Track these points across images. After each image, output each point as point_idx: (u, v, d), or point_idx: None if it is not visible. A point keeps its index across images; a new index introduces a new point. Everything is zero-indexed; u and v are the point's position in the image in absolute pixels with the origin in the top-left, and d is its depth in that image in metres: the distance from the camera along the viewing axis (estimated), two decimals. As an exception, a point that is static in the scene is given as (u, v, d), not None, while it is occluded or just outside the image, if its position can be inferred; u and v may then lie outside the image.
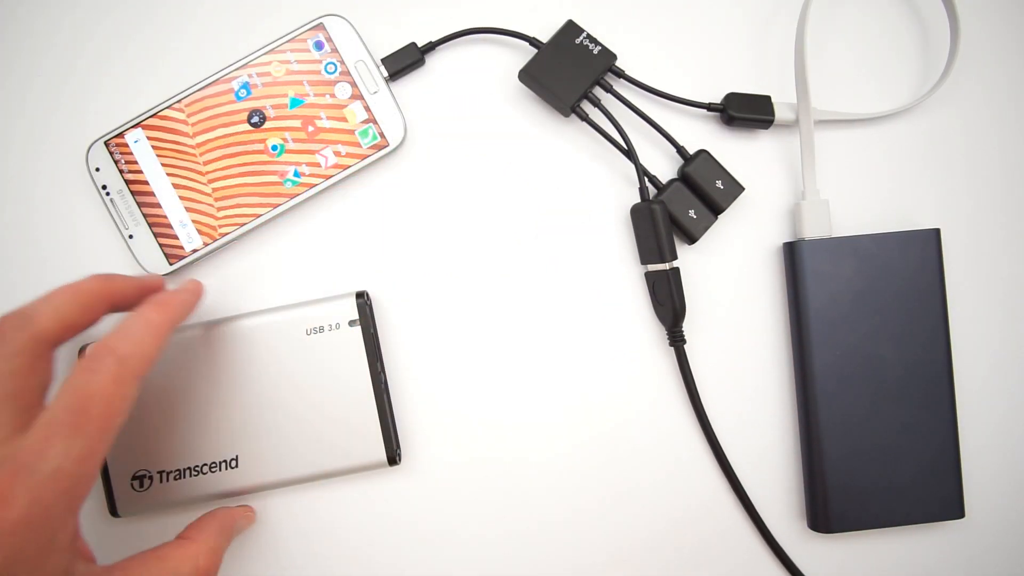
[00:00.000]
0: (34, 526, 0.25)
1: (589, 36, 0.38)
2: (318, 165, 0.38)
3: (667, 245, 0.37)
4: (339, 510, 0.39)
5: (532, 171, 0.40)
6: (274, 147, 0.38)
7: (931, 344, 0.38)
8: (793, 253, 0.38)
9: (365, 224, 0.40)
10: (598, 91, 0.39)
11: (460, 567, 0.39)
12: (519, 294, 0.40)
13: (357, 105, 0.38)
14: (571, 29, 0.38)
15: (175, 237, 0.38)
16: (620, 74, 0.39)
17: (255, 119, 0.38)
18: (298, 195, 0.38)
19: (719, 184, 0.38)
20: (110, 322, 0.39)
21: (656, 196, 0.39)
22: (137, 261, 0.38)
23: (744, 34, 0.40)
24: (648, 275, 0.38)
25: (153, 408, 0.37)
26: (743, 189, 0.39)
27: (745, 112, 0.39)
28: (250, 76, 0.38)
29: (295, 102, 0.38)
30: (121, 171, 0.38)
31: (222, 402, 0.37)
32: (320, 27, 0.38)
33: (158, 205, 0.38)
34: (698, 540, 0.39)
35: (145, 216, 0.38)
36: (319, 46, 0.38)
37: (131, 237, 0.38)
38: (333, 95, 0.38)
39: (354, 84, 0.38)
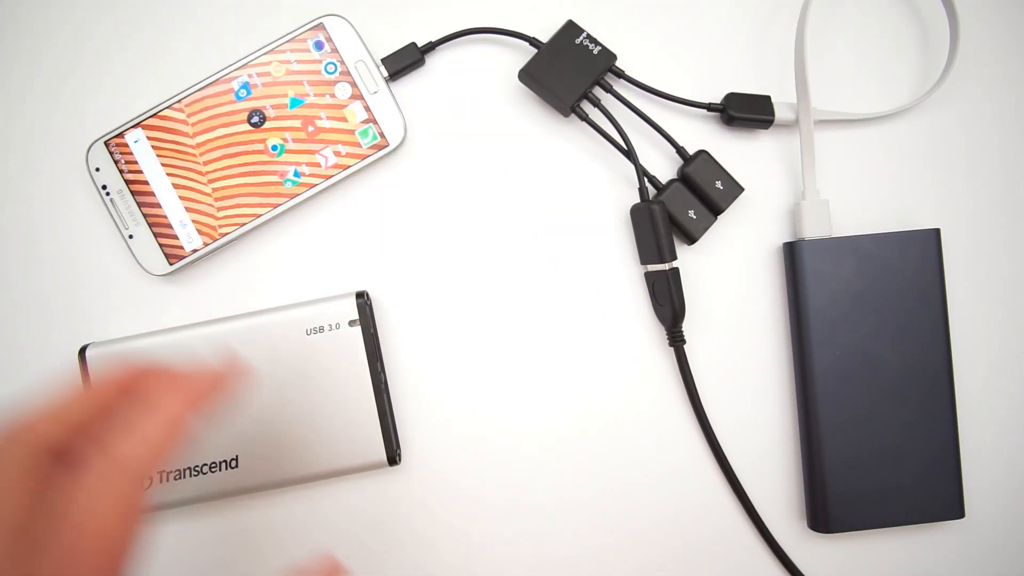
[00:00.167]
0: None
1: (589, 36, 0.38)
2: (318, 165, 0.38)
3: (666, 245, 0.37)
4: (339, 510, 0.39)
5: (532, 171, 0.40)
6: (274, 147, 0.38)
7: (931, 344, 0.38)
8: (793, 253, 0.38)
9: (365, 224, 0.40)
10: (598, 91, 0.39)
11: (460, 566, 0.39)
12: (519, 294, 0.40)
13: (357, 105, 0.38)
14: (571, 29, 0.38)
15: (175, 237, 0.38)
16: (620, 74, 0.39)
17: (255, 119, 0.38)
18: (298, 195, 0.38)
19: (719, 184, 0.38)
20: (115, 323, 0.39)
21: (656, 196, 0.39)
22: (137, 261, 0.38)
23: (744, 34, 0.40)
24: (648, 275, 0.38)
25: (153, 408, 0.37)
26: (742, 190, 0.39)
27: (745, 112, 0.39)
28: (250, 76, 0.38)
29: (295, 102, 0.38)
30: (121, 171, 0.38)
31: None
32: (320, 27, 0.38)
33: (158, 205, 0.38)
34: (698, 540, 0.39)
35: (145, 216, 0.38)
36: (319, 46, 0.38)
37: (131, 237, 0.38)
38: (333, 95, 0.38)
39: (354, 84, 0.38)
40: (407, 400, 0.39)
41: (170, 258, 0.38)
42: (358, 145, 0.38)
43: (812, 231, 0.38)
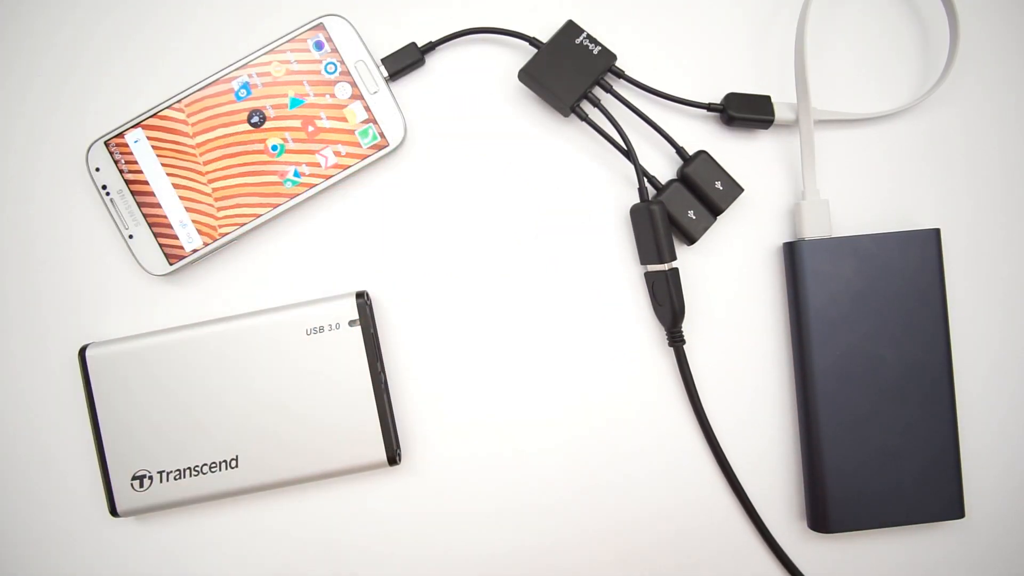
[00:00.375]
0: None
1: (589, 36, 0.38)
2: (318, 165, 0.38)
3: (666, 246, 0.37)
4: (339, 510, 0.39)
5: (532, 171, 0.40)
6: (274, 147, 0.38)
7: (931, 344, 0.38)
8: (793, 253, 0.38)
9: (365, 224, 0.40)
10: (598, 91, 0.39)
11: (460, 566, 0.39)
12: (519, 294, 0.40)
13: (357, 105, 0.38)
14: (571, 29, 0.38)
15: (175, 237, 0.38)
16: (620, 74, 0.39)
17: (255, 119, 0.38)
18: (298, 195, 0.38)
19: (718, 185, 0.38)
20: (115, 323, 0.39)
21: (655, 197, 0.39)
22: (137, 261, 0.38)
23: (744, 34, 0.40)
24: (647, 275, 0.38)
25: (153, 408, 0.37)
26: (742, 190, 0.39)
27: (745, 112, 0.39)
28: (250, 76, 0.38)
29: (295, 102, 0.38)
30: (121, 171, 0.38)
31: (222, 402, 0.37)
32: (320, 27, 0.38)
33: (158, 205, 0.38)
34: (698, 540, 0.39)
35: (145, 216, 0.38)
36: (319, 46, 0.38)
37: (131, 237, 0.38)
38: (333, 95, 0.38)
39: (354, 84, 0.38)
40: (407, 400, 0.39)
41: (170, 258, 0.38)
42: (358, 145, 0.38)
43: (812, 231, 0.38)
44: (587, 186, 0.40)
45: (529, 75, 0.38)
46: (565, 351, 0.40)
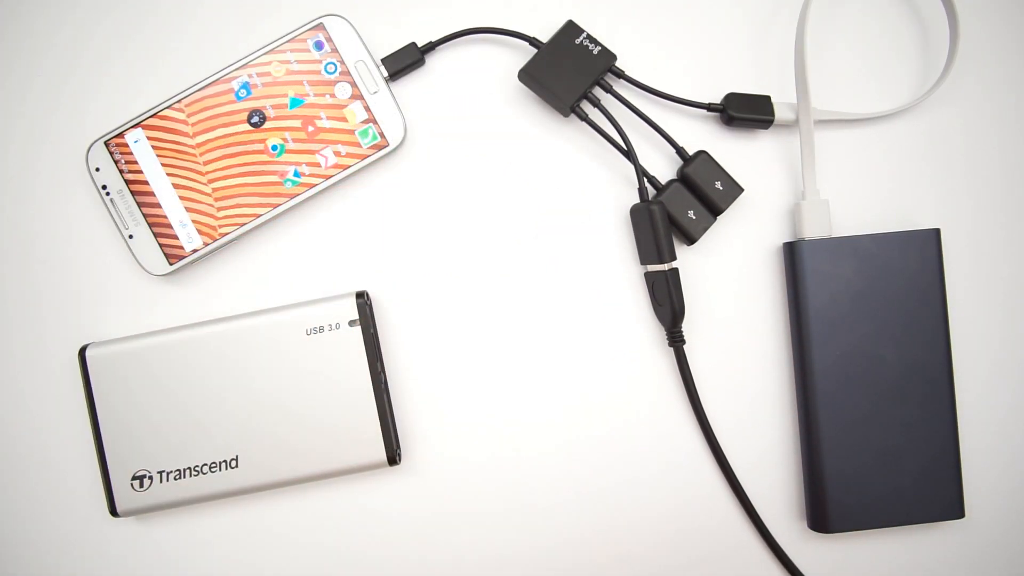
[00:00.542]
0: None
1: (589, 36, 0.38)
2: (318, 165, 0.38)
3: (666, 246, 0.37)
4: (339, 510, 0.39)
5: (532, 171, 0.40)
6: (274, 147, 0.38)
7: (931, 344, 0.38)
8: (793, 253, 0.38)
9: (365, 224, 0.40)
10: (598, 91, 0.39)
11: (460, 566, 0.39)
12: (519, 294, 0.40)
13: (357, 105, 0.38)
14: (571, 29, 0.38)
15: (175, 237, 0.38)
16: (620, 74, 0.39)
17: (255, 119, 0.38)
18: (298, 195, 0.38)
19: (718, 185, 0.38)
20: (115, 323, 0.39)
21: (655, 197, 0.39)
22: (137, 261, 0.38)
23: (744, 34, 0.40)
24: (647, 275, 0.38)
25: (153, 408, 0.37)
26: (742, 190, 0.39)
27: (745, 112, 0.39)
28: (250, 76, 0.38)
29: (295, 102, 0.38)
30: (121, 171, 0.38)
31: (222, 402, 0.37)
32: (320, 27, 0.38)
33: (158, 205, 0.38)
34: (698, 540, 0.39)
35: (145, 216, 0.38)
36: (319, 46, 0.38)
37: (131, 237, 0.38)
38: (333, 95, 0.38)
39: (354, 84, 0.38)
40: (407, 400, 0.39)
41: (170, 258, 0.38)
42: (358, 145, 0.38)
43: (812, 231, 0.38)
44: (587, 186, 0.40)
45: (529, 75, 0.38)
46: (565, 351, 0.40)
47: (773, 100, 0.39)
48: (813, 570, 0.39)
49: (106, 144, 0.38)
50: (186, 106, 0.38)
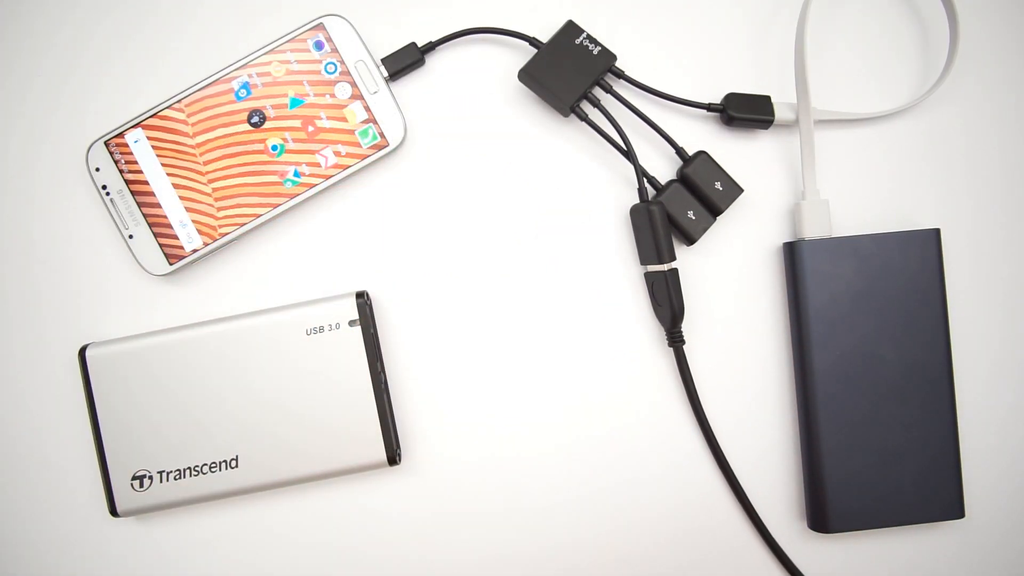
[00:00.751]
0: None
1: (589, 36, 0.38)
2: (318, 165, 0.38)
3: (665, 246, 0.37)
4: (339, 510, 0.39)
5: (532, 171, 0.40)
6: (274, 147, 0.38)
7: (931, 344, 0.38)
8: (793, 253, 0.38)
9: (365, 224, 0.40)
10: (598, 91, 0.39)
11: (460, 566, 0.39)
12: (519, 294, 0.40)
13: (357, 105, 0.38)
14: (571, 29, 0.38)
15: (175, 237, 0.38)
16: (620, 74, 0.39)
17: (255, 119, 0.38)
18: (298, 195, 0.38)
19: (718, 186, 0.38)
20: (115, 323, 0.39)
21: (655, 197, 0.39)
22: (137, 261, 0.38)
23: (744, 34, 0.40)
24: (647, 275, 0.38)
25: (153, 408, 0.37)
26: (742, 191, 0.39)
27: (745, 112, 0.39)
28: (250, 76, 0.38)
29: (295, 102, 0.38)
30: (121, 171, 0.38)
31: (222, 402, 0.37)
32: (320, 27, 0.38)
33: (158, 205, 0.38)
34: (699, 539, 0.39)
35: (145, 216, 0.38)
36: (319, 46, 0.38)
37: (131, 237, 0.38)
38: (333, 95, 0.38)
39: (354, 84, 0.38)
40: (407, 400, 0.39)
41: (170, 258, 0.38)
42: (358, 145, 0.38)
43: (812, 231, 0.38)
44: (587, 186, 0.40)
45: (529, 75, 0.38)
46: (565, 351, 0.40)
47: (773, 100, 0.39)
48: (813, 570, 0.39)
49: (106, 144, 0.38)
50: (186, 106, 0.38)
